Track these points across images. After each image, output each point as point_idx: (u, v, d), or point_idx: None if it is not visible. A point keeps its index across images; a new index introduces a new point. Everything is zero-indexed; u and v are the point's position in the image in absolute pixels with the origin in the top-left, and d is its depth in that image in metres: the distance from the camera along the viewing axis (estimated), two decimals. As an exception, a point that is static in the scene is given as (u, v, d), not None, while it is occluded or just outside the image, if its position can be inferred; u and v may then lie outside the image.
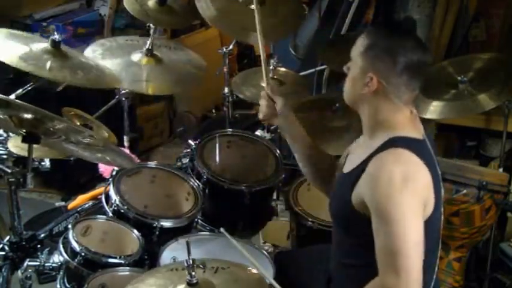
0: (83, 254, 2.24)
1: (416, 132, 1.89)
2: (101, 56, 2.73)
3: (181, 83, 2.89)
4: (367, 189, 1.81)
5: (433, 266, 1.96)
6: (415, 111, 1.91)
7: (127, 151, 3.04)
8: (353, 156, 2.01)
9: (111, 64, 2.68)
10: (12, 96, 2.53)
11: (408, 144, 1.82)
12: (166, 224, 2.46)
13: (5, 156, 2.46)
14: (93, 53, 2.74)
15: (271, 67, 3.10)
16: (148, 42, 2.82)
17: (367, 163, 1.84)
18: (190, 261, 1.72)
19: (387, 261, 1.74)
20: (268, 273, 2.23)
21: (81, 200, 3.10)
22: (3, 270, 2.31)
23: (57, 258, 2.31)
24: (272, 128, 3.27)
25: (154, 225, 2.44)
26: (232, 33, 3.20)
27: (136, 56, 2.82)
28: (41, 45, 2.32)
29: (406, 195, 1.75)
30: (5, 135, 2.51)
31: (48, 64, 2.23)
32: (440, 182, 1.92)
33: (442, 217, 1.97)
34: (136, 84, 2.76)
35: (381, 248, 1.76)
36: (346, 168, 1.99)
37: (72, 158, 2.64)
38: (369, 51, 1.84)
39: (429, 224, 1.83)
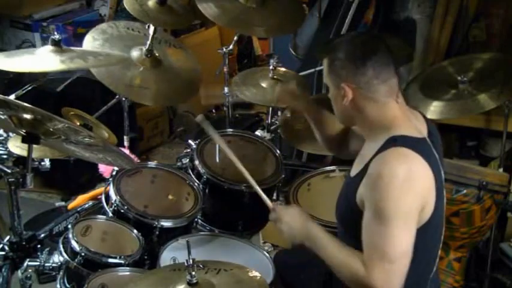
0: (83, 254, 2.24)
1: (415, 130, 1.89)
2: (101, 48, 2.71)
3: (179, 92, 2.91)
4: (368, 188, 1.82)
5: (427, 273, 1.96)
6: (400, 100, 1.92)
7: (127, 151, 3.04)
8: (358, 159, 2.01)
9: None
10: (12, 96, 2.53)
11: (409, 143, 1.83)
12: (166, 224, 2.46)
13: (5, 156, 2.46)
14: (93, 42, 2.72)
15: (271, 67, 3.10)
16: (148, 42, 2.82)
17: (370, 165, 1.85)
18: (191, 261, 1.72)
19: (374, 254, 1.77)
20: (268, 273, 2.24)
21: (81, 200, 3.10)
22: (3, 270, 2.30)
23: (57, 258, 2.30)
24: (272, 128, 3.27)
25: (154, 225, 2.44)
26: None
27: (135, 54, 2.81)
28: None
29: (407, 196, 1.76)
30: (5, 135, 2.51)
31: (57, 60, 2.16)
32: (442, 183, 1.92)
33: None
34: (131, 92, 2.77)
35: (370, 242, 1.79)
36: (353, 172, 2.00)
37: (72, 158, 2.64)
38: (332, 67, 1.92)
39: (429, 227, 1.83)
